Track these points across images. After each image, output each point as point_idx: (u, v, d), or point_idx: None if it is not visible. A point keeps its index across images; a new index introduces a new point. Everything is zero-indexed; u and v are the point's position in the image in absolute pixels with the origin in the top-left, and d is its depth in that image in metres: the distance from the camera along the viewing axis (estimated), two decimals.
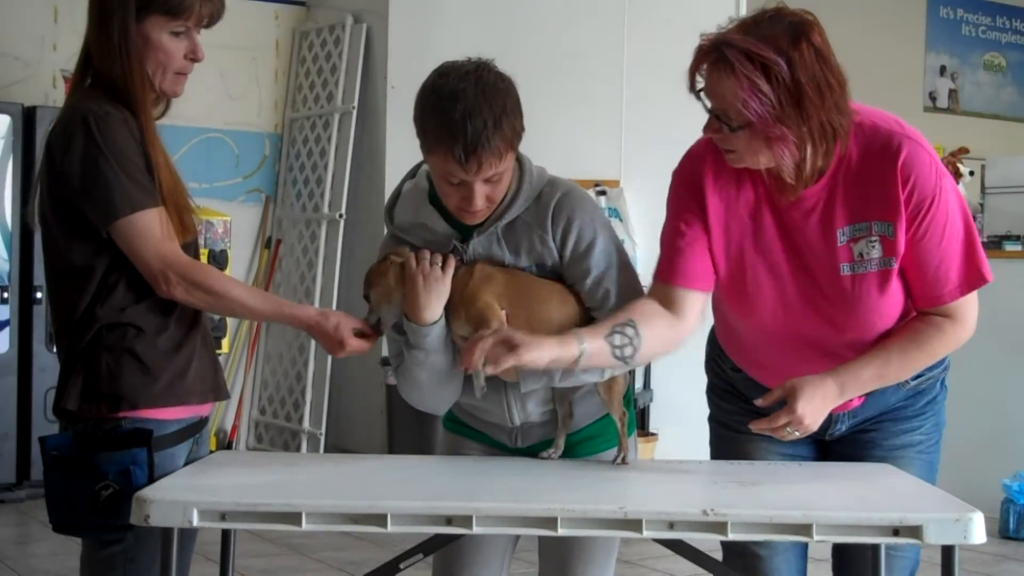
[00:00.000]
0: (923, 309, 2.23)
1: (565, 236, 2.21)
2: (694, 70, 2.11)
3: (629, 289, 2.23)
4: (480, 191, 2.14)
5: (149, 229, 2.14)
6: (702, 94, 2.13)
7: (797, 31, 2.06)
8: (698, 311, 2.26)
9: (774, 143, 2.08)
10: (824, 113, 2.08)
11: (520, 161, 2.23)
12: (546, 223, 2.21)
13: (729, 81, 2.05)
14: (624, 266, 2.24)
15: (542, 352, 2.06)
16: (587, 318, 2.22)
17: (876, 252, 2.17)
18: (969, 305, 2.21)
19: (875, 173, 2.15)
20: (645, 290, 2.27)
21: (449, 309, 2.20)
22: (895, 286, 2.20)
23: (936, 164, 2.16)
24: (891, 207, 2.15)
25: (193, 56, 2.25)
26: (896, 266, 2.18)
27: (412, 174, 2.34)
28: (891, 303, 2.21)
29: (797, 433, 2.17)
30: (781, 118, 2.06)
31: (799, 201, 2.19)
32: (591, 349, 2.10)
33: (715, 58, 2.07)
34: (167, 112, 2.33)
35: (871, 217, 2.16)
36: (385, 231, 2.36)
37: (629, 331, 2.14)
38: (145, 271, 2.16)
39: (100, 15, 2.21)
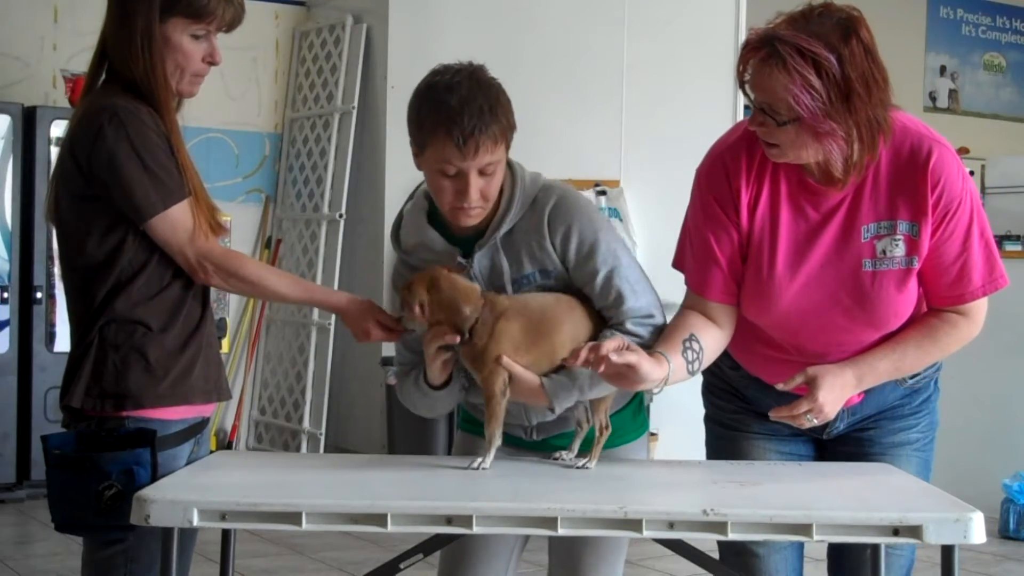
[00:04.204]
0: (940, 307, 2.25)
1: (566, 242, 2.21)
2: (743, 64, 2.11)
3: (639, 284, 2.23)
4: (475, 183, 2.15)
5: (184, 221, 2.18)
6: (747, 87, 2.13)
7: (847, 27, 2.07)
8: (736, 319, 2.31)
9: (823, 138, 2.09)
10: (871, 109, 2.09)
11: (512, 167, 2.25)
12: (543, 229, 2.22)
13: (780, 76, 2.05)
14: (630, 263, 2.24)
15: (654, 371, 2.11)
16: (601, 326, 2.23)
17: (899, 251, 2.19)
18: (982, 304, 2.25)
19: (904, 174, 2.18)
20: (653, 283, 2.28)
21: (468, 357, 2.22)
22: (912, 285, 2.22)
23: (961, 169, 2.20)
24: (919, 209, 2.17)
25: (211, 60, 2.27)
26: (918, 266, 2.20)
27: (412, 196, 2.36)
28: (906, 301, 2.23)
29: (816, 421, 2.19)
30: (830, 113, 2.06)
31: (825, 197, 2.20)
32: (675, 366, 2.16)
33: (766, 53, 2.06)
34: (179, 111, 2.33)
35: (897, 216, 2.19)
36: (385, 231, 2.36)
37: (696, 346, 2.21)
38: (182, 262, 2.20)
39: (122, 14, 2.21)
